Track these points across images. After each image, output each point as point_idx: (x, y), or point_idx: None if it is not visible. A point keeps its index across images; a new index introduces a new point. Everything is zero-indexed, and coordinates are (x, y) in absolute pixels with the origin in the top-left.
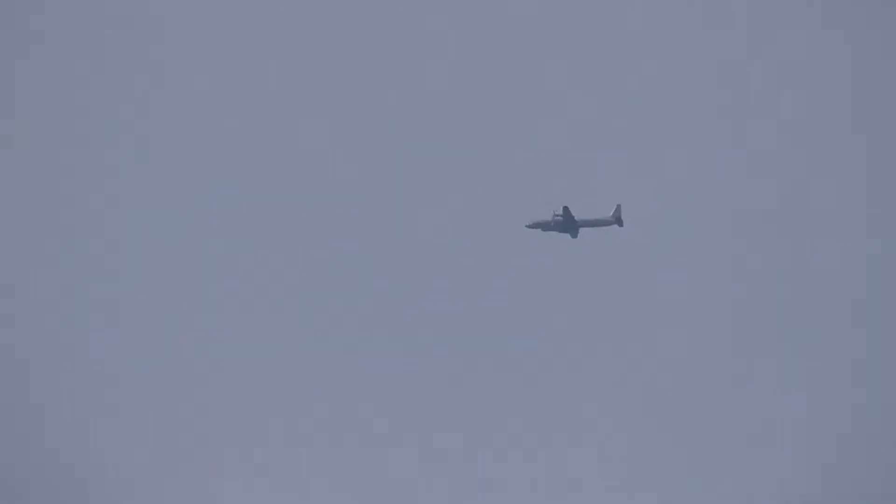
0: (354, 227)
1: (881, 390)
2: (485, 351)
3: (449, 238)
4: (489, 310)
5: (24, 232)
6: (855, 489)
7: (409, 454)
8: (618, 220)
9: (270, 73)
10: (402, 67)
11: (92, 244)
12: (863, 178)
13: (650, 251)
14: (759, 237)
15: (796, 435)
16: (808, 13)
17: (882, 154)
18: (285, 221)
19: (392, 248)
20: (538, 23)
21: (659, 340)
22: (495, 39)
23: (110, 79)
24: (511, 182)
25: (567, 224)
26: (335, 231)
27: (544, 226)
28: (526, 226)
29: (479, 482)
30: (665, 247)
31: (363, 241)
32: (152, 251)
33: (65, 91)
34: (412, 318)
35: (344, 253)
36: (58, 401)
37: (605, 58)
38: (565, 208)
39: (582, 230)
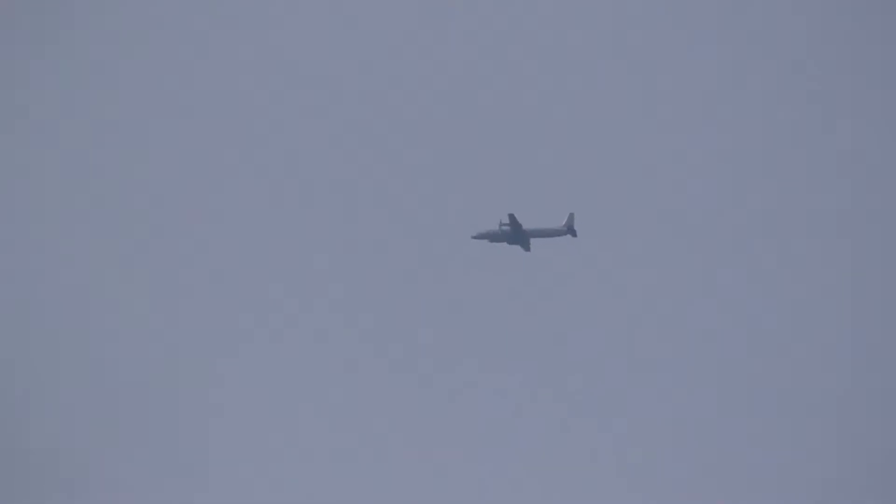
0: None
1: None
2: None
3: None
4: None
5: (24, 232)
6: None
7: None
8: (570, 229)
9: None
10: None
11: (92, 244)
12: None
13: (606, 263)
14: (726, 243)
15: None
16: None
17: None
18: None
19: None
20: (490, 30)
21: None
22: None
23: (110, 78)
24: (460, 190)
25: (515, 234)
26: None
27: (491, 236)
28: (472, 237)
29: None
30: (623, 259)
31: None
32: (152, 250)
33: (65, 90)
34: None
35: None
36: (59, 400)
37: (557, 63)
38: (511, 216)
39: (534, 241)
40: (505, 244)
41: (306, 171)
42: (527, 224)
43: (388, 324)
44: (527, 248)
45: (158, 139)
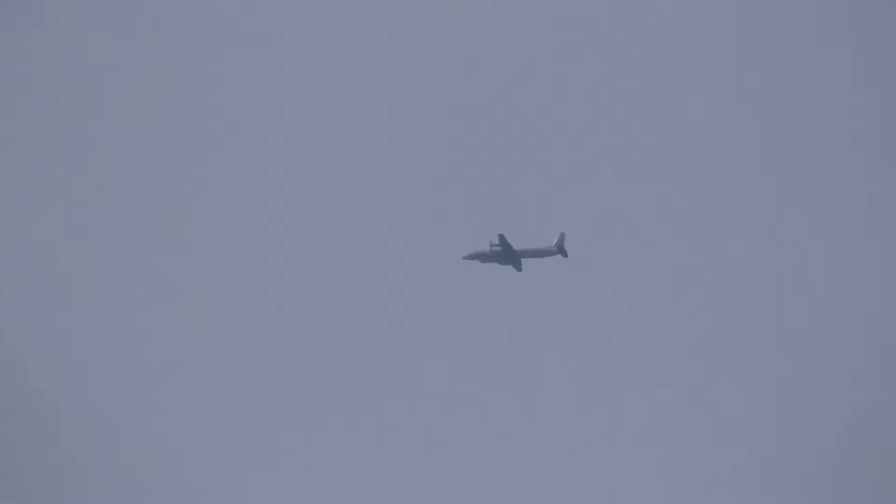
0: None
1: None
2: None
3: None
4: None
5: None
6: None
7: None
8: (561, 249)
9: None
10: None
11: (90, 243)
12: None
13: (597, 283)
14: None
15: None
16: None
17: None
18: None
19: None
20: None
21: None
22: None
23: (113, 78)
24: (451, 210)
25: (506, 254)
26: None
27: (482, 257)
28: (463, 257)
29: None
30: (613, 278)
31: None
32: (155, 251)
33: (65, 90)
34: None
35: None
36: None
37: (546, 87)
38: (501, 236)
39: (525, 261)
40: (497, 265)
41: (298, 190)
42: (517, 245)
43: (381, 342)
44: (518, 268)
45: (157, 139)
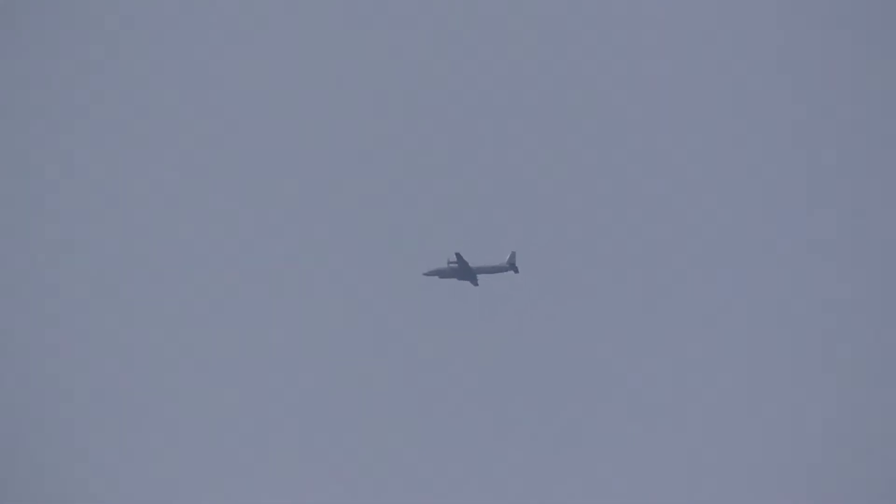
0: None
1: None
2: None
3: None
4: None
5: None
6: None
7: None
8: (513, 266)
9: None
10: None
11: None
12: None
13: (545, 294)
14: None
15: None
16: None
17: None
18: None
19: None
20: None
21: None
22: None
23: (111, 77)
24: (411, 231)
25: (463, 271)
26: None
27: (441, 273)
28: (423, 273)
29: None
30: (559, 290)
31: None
32: (152, 247)
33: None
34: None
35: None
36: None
37: (499, 113)
38: (458, 255)
39: (480, 277)
40: (455, 280)
41: (263, 210)
42: (473, 262)
43: (351, 353)
44: (475, 282)
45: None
